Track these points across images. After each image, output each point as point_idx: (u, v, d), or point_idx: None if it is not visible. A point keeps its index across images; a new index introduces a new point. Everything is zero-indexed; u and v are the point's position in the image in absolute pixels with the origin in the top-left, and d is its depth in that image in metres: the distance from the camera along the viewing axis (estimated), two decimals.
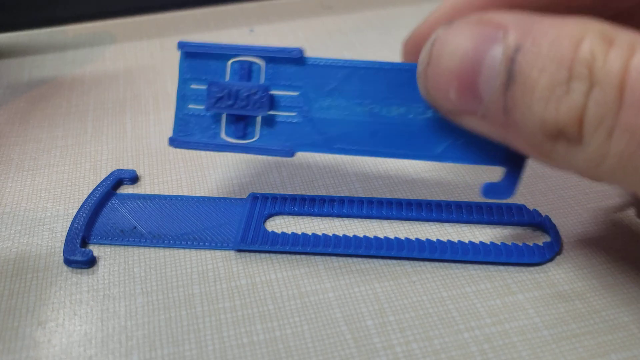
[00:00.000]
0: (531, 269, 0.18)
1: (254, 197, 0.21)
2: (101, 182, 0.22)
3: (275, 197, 0.21)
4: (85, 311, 0.17)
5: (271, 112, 0.18)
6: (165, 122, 0.26)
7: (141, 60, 0.32)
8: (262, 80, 0.18)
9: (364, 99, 0.17)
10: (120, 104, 0.28)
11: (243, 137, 0.18)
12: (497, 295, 0.18)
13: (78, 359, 0.16)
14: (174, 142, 0.19)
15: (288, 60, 0.18)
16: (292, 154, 0.18)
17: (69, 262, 0.19)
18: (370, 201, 0.21)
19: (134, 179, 0.22)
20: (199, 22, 0.36)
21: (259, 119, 0.18)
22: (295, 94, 0.18)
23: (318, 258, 0.19)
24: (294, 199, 0.21)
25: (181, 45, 0.19)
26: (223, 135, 0.18)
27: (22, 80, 0.30)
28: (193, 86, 0.19)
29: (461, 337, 0.16)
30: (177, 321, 0.17)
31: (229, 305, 0.17)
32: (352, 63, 0.17)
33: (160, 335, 0.17)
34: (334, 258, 0.19)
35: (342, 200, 0.21)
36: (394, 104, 0.17)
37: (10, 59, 0.32)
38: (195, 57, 0.19)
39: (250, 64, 0.18)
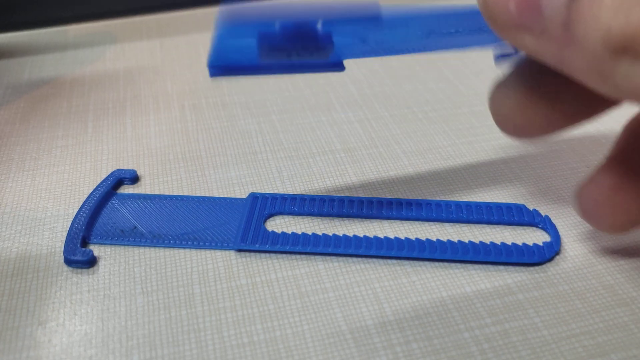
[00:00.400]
0: (531, 268, 0.18)
1: (254, 197, 0.21)
2: (101, 182, 0.22)
3: (275, 197, 0.21)
4: (85, 311, 0.17)
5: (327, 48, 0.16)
6: (165, 122, 0.26)
7: (141, 61, 0.32)
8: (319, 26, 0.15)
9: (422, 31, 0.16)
10: (121, 104, 0.28)
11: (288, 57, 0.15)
12: (497, 295, 0.18)
13: (78, 358, 0.16)
14: (214, 68, 0.16)
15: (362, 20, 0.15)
16: (343, 67, 0.16)
17: (69, 262, 0.19)
18: (370, 201, 0.21)
19: (134, 179, 0.22)
20: (199, 22, 0.36)
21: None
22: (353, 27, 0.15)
23: (318, 258, 0.19)
24: (294, 198, 0.21)
25: (220, 16, 0.15)
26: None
27: (22, 80, 0.30)
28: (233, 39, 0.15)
29: (461, 336, 0.16)
30: (178, 321, 0.17)
31: (229, 305, 0.17)
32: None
33: (160, 335, 0.17)
34: (334, 258, 0.19)
35: (342, 200, 0.21)
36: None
37: (10, 59, 0.32)
38: (236, 25, 0.15)
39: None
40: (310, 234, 0.20)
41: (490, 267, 0.18)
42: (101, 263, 0.19)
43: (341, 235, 0.19)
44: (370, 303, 0.17)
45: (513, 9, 0.15)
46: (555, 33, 0.14)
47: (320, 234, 0.19)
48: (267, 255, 0.19)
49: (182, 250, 0.19)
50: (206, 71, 0.31)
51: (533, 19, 0.14)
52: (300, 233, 0.20)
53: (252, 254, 0.19)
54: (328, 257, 0.19)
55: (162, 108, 0.27)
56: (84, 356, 0.16)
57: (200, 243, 0.19)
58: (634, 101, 0.13)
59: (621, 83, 0.13)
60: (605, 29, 0.12)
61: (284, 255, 0.19)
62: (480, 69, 0.30)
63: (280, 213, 0.21)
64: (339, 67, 0.16)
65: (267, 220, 0.21)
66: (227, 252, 0.19)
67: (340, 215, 0.21)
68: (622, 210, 0.16)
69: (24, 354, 0.16)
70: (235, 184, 0.22)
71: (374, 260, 0.19)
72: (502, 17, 0.15)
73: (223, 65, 0.16)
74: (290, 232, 0.20)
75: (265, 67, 0.16)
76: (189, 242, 0.19)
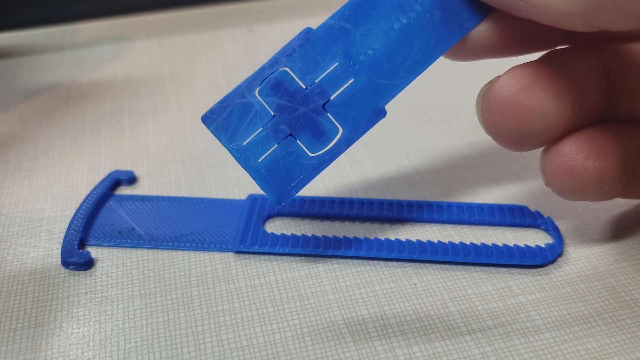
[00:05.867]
0: (533, 270, 0.18)
1: (253, 198, 0.21)
2: (99, 183, 0.22)
3: None
4: (83, 313, 0.17)
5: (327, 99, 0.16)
6: (163, 123, 0.26)
7: (140, 60, 0.32)
8: (299, 81, 0.16)
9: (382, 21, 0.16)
10: (119, 105, 0.28)
11: (322, 141, 0.16)
12: (499, 297, 0.17)
13: None
14: (282, 200, 0.17)
15: (303, 44, 0.16)
16: (384, 114, 0.16)
17: (66, 264, 0.19)
18: (370, 202, 0.21)
19: (132, 180, 0.22)
20: (198, 22, 0.36)
21: (320, 109, 0.16)
22: (334, 64, 0.16)
23: (318, 260, 0.19)
24: (293, 200, 0.21)
25: (205, 119, 0.16)
26: (307, 155, 0.16)
27: (20, 80, 0.30)
28: (242, 137, 0.16)
29: (463, 339, 0.16)
30: (176, 324, 0.17)
31: (228, 308, 0.17)
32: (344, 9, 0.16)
33: (158, 338, 0.16)
34: (334, 260, 0.19)
35: (342, 202, 0.21)
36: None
37: (8, 59, 0.32)
38: (220, 116, 0.16)
39: (276, 77, 0.16)
40: (310, 235, 0.19)
41: (492, 269, 0.18)
42: (99, 265, 0.19)
43: (341, 237, 0.19)
44: (371, 305, 0.17)
45: None
46: None
47: (320, 236, 0.19)
48: (266, 257, 0.19)
49: (180, 253, 0.19)
50: (204, 71, 0.30)
51: None
52: (299, 235, 0.19)
53: (251, 256, 0.19)
54: (328, 259, 0.19)
55: (160, 108, 0.27)
56: (81, 359, 0.16)
57: (199, 245, 0.19)
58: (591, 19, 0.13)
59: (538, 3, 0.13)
60: None
61: (283, 257, 0.19)
62: (481, 69, 0.30)
63: (280, 214, 0.21)
64: (383, 115, 0.16)
65: (267, 221, 0.20)
66: (225, 254, 0.19)
67: (340, 216, 0.20)
68: (533, 114, 0.15)
69: (20, 357, 0.16)
70: (234, 185, 0.22)
71: (375, 262, 0.19)
72: None
73: (289, 193, 0.17)
74: (289, 234, 0.19)
75: (320, 166, 0.17)
76: (187, 244, 0.19)
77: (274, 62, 0.16)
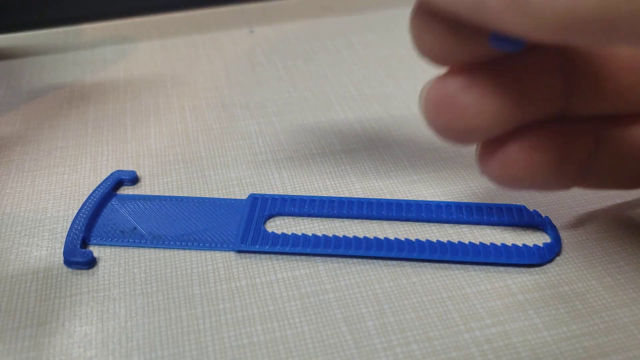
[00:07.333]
0: (531, 269, 0.18)
1: (254, 198, 0.21)
2: (101, 183, 0.22)
3: (275, 198, 0.21)
4: (85, 312, 0.17)
5: None
6: (165, 123, 0.26)
7: (142, 61, 0.32)
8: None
9: None
10: (121, 105, 0.28)
11: None
12: (497, 296, 0.18)
13: (78, 359, 0.16)
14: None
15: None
16: None
17: (69, 263, 0.19)
18: (370, 202, 0.21)
19: (134, 179, 0.22)
20: (199, 23, 0.36)
21: None
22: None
23: (318, 259, 0.19)
24: (294, 199, 0.21)
25: None
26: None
27: (23, 81, 0.30)
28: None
29: (461, 338, 0.16)
30: (177, 322, 0.17)
31: (229, 306, 0.17)
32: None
33: (160, 337, 0.17)
34: (334, 259, 0.19)
35: (341, 202, 0.21)
36: None
37: (11, 60, 0.32)
38: None
39: None
40: (310, 235, 0.20)
41: (491, 268, 0.18)
42: (101, 264, 0.19)
43: (341, 236, 0.19)
44: (370, 304, 0.17)
45: None
46: None
47: (321, 235, 0.19)
48: (267, 256, 0.19)
49: (182, 252, 0.19)
50: (206, 72, 0.31)
51: None
52: (300, 234, 0.20)
53: (252, 255, 0.19)
54: (328, 258, 0.19)
55: (162, 109, 0.27)
56: (83, 357, 0.16)
57: (200, 244, 0.19)
58: (555, 37, 0.12)
59: (536, 13, 0.12)
60: None
61: (284, 256, 0.19)
62: None
63: (281, 214, 0.21)
64: None
65: (267, 221, 0.21)
66: (227, 253, 0.19)
67: (340, 216, 0.21)
68: (469, 113, 0.15)
69: (23, 355, 0.16)
70: (236, 184, 0.22)
71: (374, 261, 0.19)
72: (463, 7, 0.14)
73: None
74: (290, 233, 0.20)
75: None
76: (188, 243, 0.19)
77: None
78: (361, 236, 0.19)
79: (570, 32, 0.12)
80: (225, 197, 0.22)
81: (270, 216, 0.21)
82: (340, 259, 0.19)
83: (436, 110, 0.16)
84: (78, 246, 0.19)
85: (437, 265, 0.19)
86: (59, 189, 0.22)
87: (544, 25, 0.12)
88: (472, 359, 0.16)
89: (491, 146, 0.16)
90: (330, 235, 0.20)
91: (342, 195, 0.22)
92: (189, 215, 0.21)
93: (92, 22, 0.36)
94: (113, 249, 0.19)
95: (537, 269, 0.18)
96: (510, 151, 0.16)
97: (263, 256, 0.19)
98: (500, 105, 0.15)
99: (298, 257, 0.19)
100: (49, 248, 0.20)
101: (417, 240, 0.19)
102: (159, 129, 0.26)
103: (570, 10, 0.11)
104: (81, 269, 0.19)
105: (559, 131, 0.16)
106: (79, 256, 0.19)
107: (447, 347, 0.16)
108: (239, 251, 0.19)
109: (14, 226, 0.21)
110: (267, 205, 0.21)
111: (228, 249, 0.19)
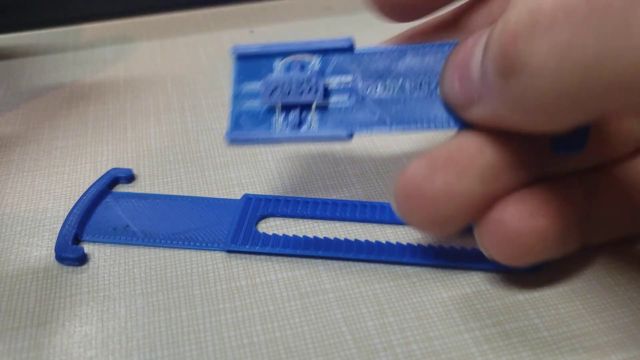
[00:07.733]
0: (531, 269, 0.18)
1: (248, 198, 0.21)
2: (97, 181, 0.22)
3: (268, 199, 0.21)
4: (85, 312, 0.17)
5: (325, 100, 0.17)
6: (165, 123, 0.26)
7: (141, 61, 0.32)
8: (314, 68, 0.18)
9: (413, 76, 0.17)
10: (121, 105, 0.28)
11: (298, 127, 0.18)
12: (497, 296, 0.18)
13: (78, 359, 0.16)
14: (232, 140, 0.18)
15: (339, 50, 0.18)
16: (350, 137, 0.17)
17: (60, 258, 0.19)
18: (363, 205, 0.21)
19: (130, 177, 0.22)
20: (199, 23, 0.36)
21: (313, 107, 0.18)
22: (348, 79, 0.17)
23: (318, 259, 0.19)
24: (287, 200, 0.21)
25: (234, 50, 0.19)
26: (279, 128, 0.18)
27: (23, 81, 0.30)
28: (246, 86, 0.18)
29: (461, 337, 0.16)
30: (178, 322, 0.17)
31: (229, 306, 0.17)
32: (398, 47, 0.17)
33: (160, 336, 0.17)
34: (334, 259, 0.19)
35: (335, 204, 0.21)
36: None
37: (11, 60, 0.32)
38: (247, 59, 0.19)
39: (301, 59, 0.18)
40: (301, 236, 0.19)
41: (491, 268, 0.18)
42: (101, 264, 0.19)
43: (332, 238, 0.19)
44: (370, 304, 0.17)
45: (457, 87, 0.15)
46: (490, 89, 0.13)
47: (312, 237, 0.19)
48: (267, 256, 0.19)
49: (182, 252, 0.19)
50: (206, 72, 0.31)
51: (471, 88, 0.14)
52: (291, 235, 0.20)
53: (252, 255, 0.19)
54: (328, 258, 0.19)
55: (162, 109, 0.27)
56: (83, 357, 0.16)
57: (191, 243, 0.19)
58: (532, 122, 0.13)
59: (519, 102, 0.12)
60: (492, 57, 0.12)
61: (284, 256, 0.19)
62: None
63: (274, 215, 0.21)
64: (346, 137, 0.17)
65: (260, 221, 0.20)
66: (227, 253, 0.19)
67: (333, 218, 0.20)
68: (440, 200, 0.14)
69: (23, 355, 0.16)
70: (235, 185, 0.22)
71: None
72: (455, 98, 0.15)
73: (240, 138, 0.18)
74: (281, 234, 0.20)
75: (279, 138, 0.18)
76: (179, 242, 0.19)
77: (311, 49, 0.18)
78: (352, 239, 0.19)
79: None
80: (225, 197, 0.22)
81: (263, 217, 0.21)
82: (340, 259, 0.19)
83: (409, 205, 0.15)
84: (70, 242, 0.19)
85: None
86: (59, 189, 0.22)
87: (526, 112, 0.13)
88: (472, 359, 0.16)
89: (488, 227, 0.15)
90: (322, 237, 0.19)
91: (342, 195, 0.22)
92: (182, 214, 0.21)
93: (92, 22, 0.36)
94: (113, 249, 0.19)
95: (537, 269, 0.18)
96: (510, 225, 0.15)
97: (263, 256, 0.19)
98: (468, 184, 0.14)
99: (298, 257, 0.19)
100: (49, 248, 0.20)
101: (419, 245, 0.19)
102: (159, 129, 0.26)
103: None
104: (72, 265, 0.19)
105: (550, 192, 0.15)
106: (69, 252, 0.19)
107: (447, 347, 0.16)
108: (229, 251, 0.19)
109: (14, 226, 0.21)
110: (260, 206, 0.21)
111: (218, 249, 0.19)
